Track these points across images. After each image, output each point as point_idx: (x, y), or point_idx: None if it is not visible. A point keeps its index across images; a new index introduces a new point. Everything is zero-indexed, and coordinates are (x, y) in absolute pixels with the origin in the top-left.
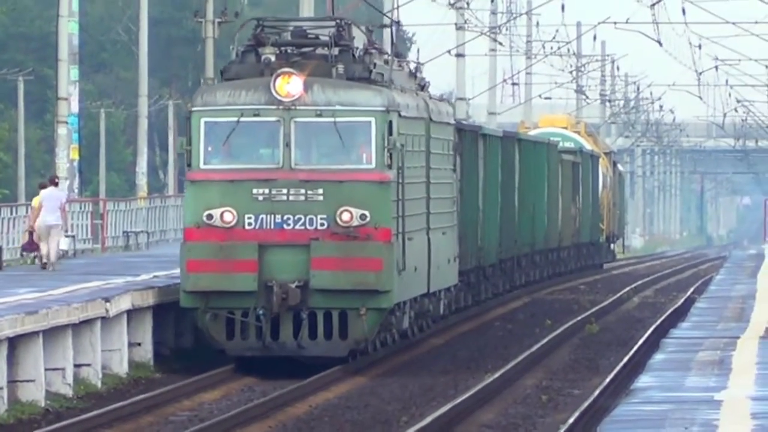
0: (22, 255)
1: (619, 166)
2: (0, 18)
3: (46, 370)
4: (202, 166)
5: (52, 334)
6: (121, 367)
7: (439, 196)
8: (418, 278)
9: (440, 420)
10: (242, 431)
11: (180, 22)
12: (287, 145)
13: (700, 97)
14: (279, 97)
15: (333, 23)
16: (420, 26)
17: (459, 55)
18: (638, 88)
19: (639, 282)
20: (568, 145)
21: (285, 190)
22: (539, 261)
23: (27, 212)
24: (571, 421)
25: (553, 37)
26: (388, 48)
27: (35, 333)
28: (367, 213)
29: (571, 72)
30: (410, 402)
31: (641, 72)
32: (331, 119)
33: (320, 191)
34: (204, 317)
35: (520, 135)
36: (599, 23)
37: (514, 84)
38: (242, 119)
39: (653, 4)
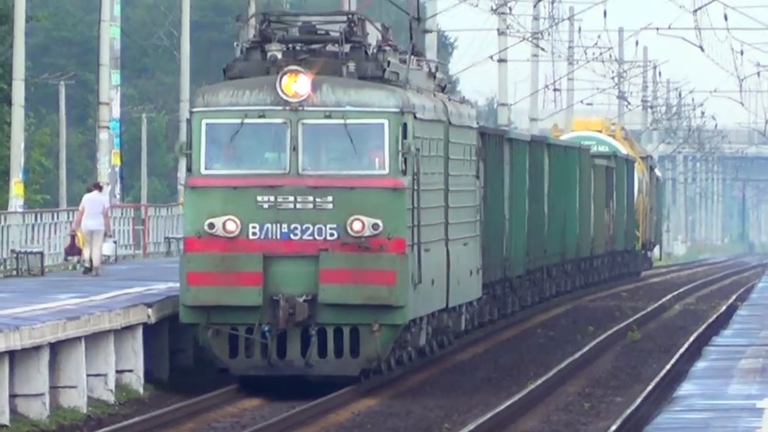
0: (66, 259)
1: (657, 171)
2: (42, 23)
3: (88, 375)
4: (203, 171)
5: (94, 339)
6: (163, 373)
7: (460, 205)
8: (436, 292)
9: (482, 427)
10: None
11: (221, 27)
12: (294, 148)
13: (742, 104)
14: (285, 97)
15: (344, 18)
16: (462, 31)
17: (501, 61)
18: (680, 95)
19: (681, 289)
20: (603, 149)
21: (292, 198)
22: (571, 270)
23: (68, 218)
24: (613, 428)
25: (595, 43)
26: (430, 54)
27: (77, 339)
28: (379, 222)
29: (612, 78)
30: (452, 410)
31: (683, 78)
32: (342, 121)
33: (330, 199)
34: (205, 334)
35: (549, 139)
36: (641, 29)
37: (556, 90)
38: (246, 121)
39: (695, 10)
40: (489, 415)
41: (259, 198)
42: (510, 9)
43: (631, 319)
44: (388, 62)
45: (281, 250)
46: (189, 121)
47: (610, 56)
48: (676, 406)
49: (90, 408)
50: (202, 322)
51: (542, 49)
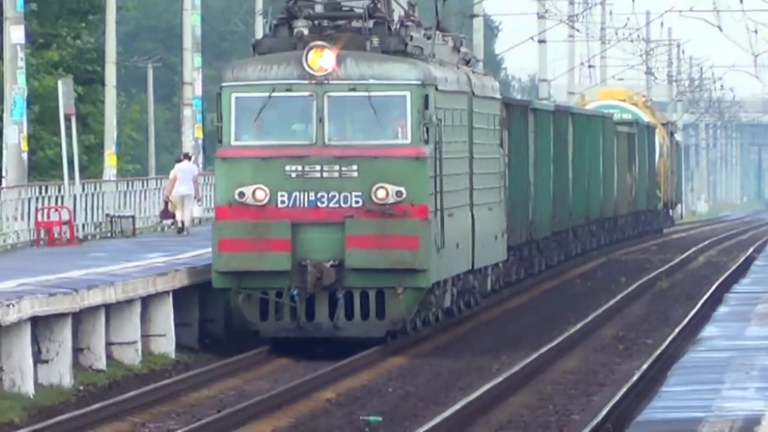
0: (161, 222)
1: (677, 136)
2: (131, 12)
3: (175, 325)
4: (233, 142)
5: (180, 293)
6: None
7: (484, 171)
8: (461, 255)
9: (528, 368)
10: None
11: None
12: (320, 120)
13: (757, 77)
14: (311, 72)
15: None
16: (505, 15)
17: (541, 41)
18: (701, 70)
19: (704, 243)
20: (626, 116)
21: (318, 167)
22: (596, 230)
23: (157, 185)
24: (644, 367)
25: (625, 25)
26: (476, 45)
27: (165, 292)
28: (403, 189)
29: (641, 55)
30: (500, 352)
31: (704, 55)
32: (365, 93)
33: (355, 168)
34: (237, 298)
35: (573, 109)
36: (666, 12)
37: (590, 67)
38: (274, 94)
39: None
40: (533, 356)
41: (287, 168)
42: None
43: (659, 270)
44: (411, 37)
45: (309, 217)
46: (219, 95)
47: (639, 36)
48: (700, 347)
49: (177, 354)
50: (234, 287)
51: (577, 31)
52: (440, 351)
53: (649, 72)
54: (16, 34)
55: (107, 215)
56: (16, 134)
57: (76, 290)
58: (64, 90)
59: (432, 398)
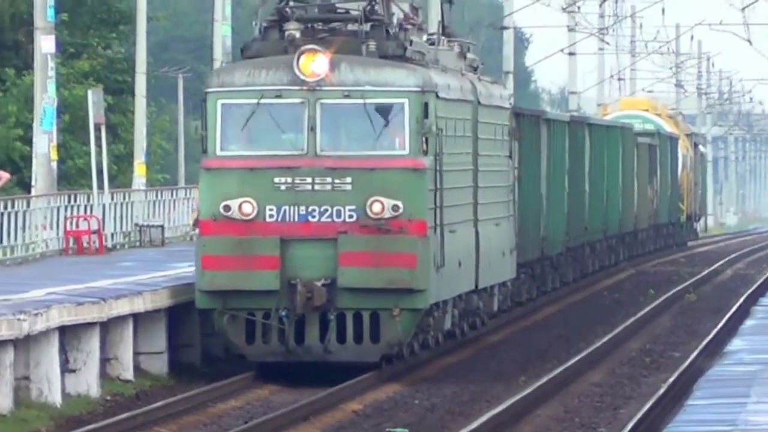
0: (194, 231)
1: (702, 148)
2: (161, 23)
3: (202, 335)
4: (218, 152)
5: None
6: None
7: (490, 185)
8: (463, 274)
9: (555, 380)
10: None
11: None
12: (312, 129)
13: None
14: (303, 77)
15: None
16: (536, 28)
17: (571, 54)
18: (731, 83)
19: (732, 256)
20: (648, 127)
21: (310, 179)
22: (614, 245)
23: (185, 194)
24: (671, 380)
25: (655, 38)
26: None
27: (192, 302)
28: (400, 204)
29: (670, 68)
30: (527, 364)
31: (733, 68)
32: (361, 101)
33: (348, 180)
34: (221, 319)
35: (590, 119)
36: (696, 25)
37: (620, 79)
38: (263, 101)
39: (744, 8)
40: (560, 369)
41: (276, 179)
42: (578, 7)
43: (687, 283)
44: (411, 41)
45: (299, 232)
46: (204, 102)
47: (668, 49)
48: (727, 360)
49: (204, 364)
50: (218, 307)
51: (607, 43)
52: (465, 363)
53: (678, 85)
54: (46, 43)
55: (136, 224)
56: (46, 143)
57: (104, 300)
58: (94, 100)
59: (459, 411)
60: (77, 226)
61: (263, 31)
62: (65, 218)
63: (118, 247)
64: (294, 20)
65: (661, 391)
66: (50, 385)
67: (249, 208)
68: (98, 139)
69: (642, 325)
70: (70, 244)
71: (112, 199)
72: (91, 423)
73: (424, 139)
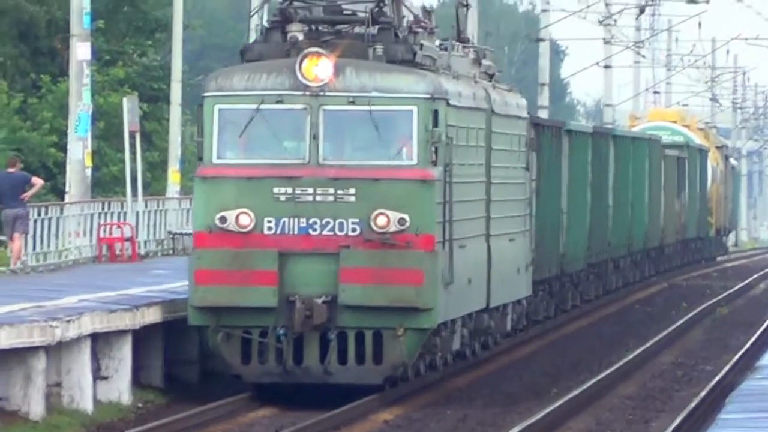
0: None
1: (732, 160)
2: (198, 30)
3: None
4: (215, 160)
5: None
6: None
7: (505, 198)
8: (474, 292)
9: (587, 392)
10: None
11: None
12: (314, 137)
13: None
14: (306, 82)
15: None
16: (572, 40)
17: (606, 67)
18: (766, 97)
19: (766, 270)
20: (677, 138)
21: (311, 190)
22: (640, 260)
23: None
24: (703, 394)
25: (691, 51)
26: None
27: None
28: (406, 217)
29: (706, 82)
30: (559, 376)
31: None
32: (366, 107)
33: (352, 191)
34: (215, 337)
35: (615, 131)
36: (732, 39)
37: (655, 92)
38: (262, 107)
39: None
40: (592, 381)
41: (276, 190)
42: (615, 21)
43: (720, 297)
44: (421, 45)
45: (299, 246)
46: (200, 107)
47: (704, 63)
48: (759, 374)
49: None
50: (212, 324)
51: (643, 57)
52: (497, 375)
53: (713, 99)
54: (82, 50)
55: (169, 232)
56: (80, 150)
57: (137, 307)
58: (129, 107)
59: (490, 422)
60: (110, 233)
61: (265, 33)
62: (99, 225)
63: (150, 254)
64: (297, 21)
65: (693, 404)
66: (82, 391)
67: (246, 220)
68: (133, 146)
69: (674, 339)
70: (103, 252)
71: (146, 206)
72: (123, 430)
73: (433, 148)
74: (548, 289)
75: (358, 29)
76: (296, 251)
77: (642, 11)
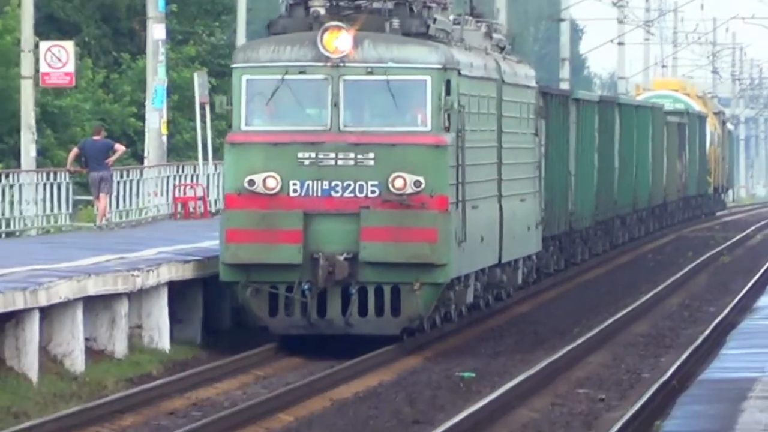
0: None
1: (729, 125)
2: (260, 15)
3: None
4: (243, 127)
5: None
6: None
7: (515, 161)
8: (487, 248)
9: (605, 330)
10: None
11: None
12: (335, 105)
13: None
14: (327, 54)
15: None
16: (589, 20)
17: (620, 44)
18: (761, 70)
19: (762, 223)
20: (678, 106)
21: (333, 154)
22: (645, 217)
23: None
24: (707, 332)
25: (694, 29)
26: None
27: None
28: (421, 179)
29: (708, 57)
30: (581, 316)
31: (764, 56)
32: (383, 77)
33: (371, 155)
34: (245, 292)
35: (620, 99)
36: (731, 18)
37: (663, 66)
38: (287, 77)
39: None
40: (609, 321)
41: (300, 155)
42: (627, 2)
43: (722, 246)
44: (434, 19)
45: (322, 207)
46: (230, 77)
47: (706, 40)
48: (756, 315)
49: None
50: (242, 280)
51: (652, 34)
52: (526, 316)
53: (715, 71)
54: (157, 31)
55: None
56: (157, 120)
57: (208, 258)
58: (200, 81)
59: (520, 357)
60: (184, 193)
61: (289, 8)
62: (174, 186)
63: (220, 212)
64: None
65: (698, 341)
66: (160, 333)
67: (273, 183)
68: (203, 116)
69: (681, 284)
70: (178, 209)
71: (215, 169)
72: (196, 367)
73: (446, 115)
74: (558, 245)
75: (376, 4)
76: (320, 212)
77: None
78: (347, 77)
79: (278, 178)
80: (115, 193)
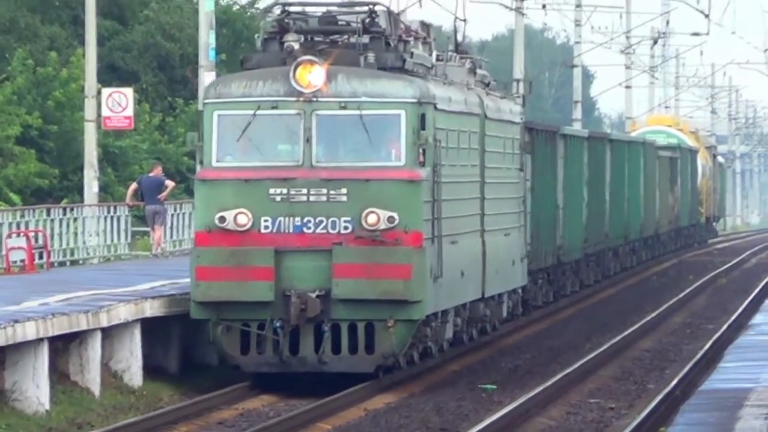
0: None
1: (719, 158)
2: None
3: None
4: (214, 163)
5: None
6: None
7: (499, 196)
8: (468, 283)
9: (615, 346)
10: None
11: None
12: (308, 140)
13: None
14: (299, 88)
15: (365, 9)
16: (599, 66)
17: (627, 87)
18: (755, 110)
19: (756, 248)
20: (671, 140)
21: (305, 190)
22: (637, 247)
23: None
24: (706, 347)
25: (694, 74)
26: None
27: None
28: (395, 215)
29: (707, 98)
30: (594, 332)
31: (758, 97)
32: (357, 112)
33: (344, 191)
34: (216, 330)
35: (611, 135)
36: (727, 63)
37: (666, 107)
38: (259, 112)
39: (766, 50)
40: (618, 338)
41: (272, 191)
42: (633, 50)
43: (719, 270)
44: (411, 53)
45: (294, 244)
46: (201, 113)
47: (705, 83)
48: (751, 331)
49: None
50: (213, 318)
51: (656, 78)
52: (542, 333)
53: (713, 111)
54: (208, 78)
55: None
56: None
57: None
58: None
59: (537, 371)
60: None
61: (263, 43)
62: None
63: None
64: (294, 32)
65: (699, 355)
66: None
67: (244, 219)
68: None
69: (683, 304)
70: None
71: None
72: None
73: (421, 150)
74: (547, 277)
75: (351, 39)
76: (291, 248)
77: (655, 42)
78: (320, 112)
79: (249, 214)
80: (169, 225)
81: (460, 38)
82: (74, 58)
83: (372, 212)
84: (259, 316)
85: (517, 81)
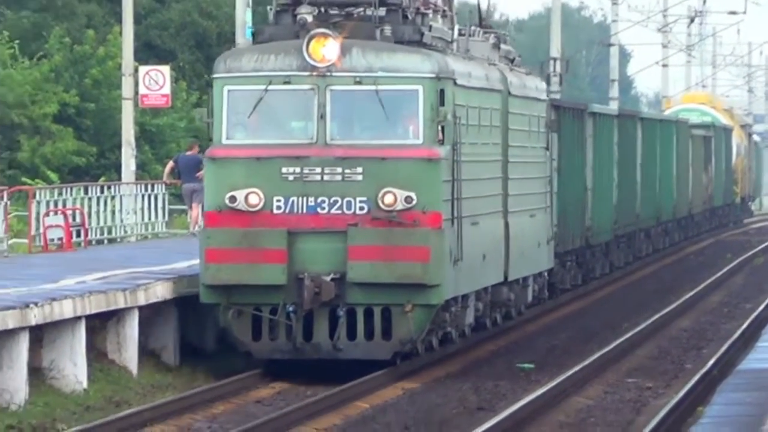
0: None
1: (755, 137)
2: None
3: None
4: (224, 141)
5: None
6: None
7: (523, 176)
8: (489, 267)
9: (651, 326)
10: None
11: None
12: (322, 117)
13: None
14: (313, 62)
15: None
16: (636, 45)
17: (664, 65)
18: None
19: None
20: (705, 119)
21: (319, 169)
22: (670, 228)
23: None
24: (744, 326)
25: (731, 52)
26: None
27: None
28: (413, 195)
29: (744, 77)
30: (630, 312)
31: None
32: (373, 87)
33: (359, 170)
34: (226, 314)
35: (642, 114)
36: (764, 42)
37: (703, 86)
38: (270, 87)
39: None
40: (655, 317)
41: (284, 169)
42: (670, 28)
43: (757, 249)
44: (430, 26)
45: (307, 225)
46: (210, 88)
47: (742, 62)
48: None
49: None
50: (223, 302)
51: (693, 57)
52: (580, 313)
53: (750, 90)
54: None
55: None
56: None
57: None
58: None
59: (574, 350)
60: None
61: (276, 15)
62: None
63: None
64: (307, 4)
65: (736, 335)
66: None
67: (255, 199)
68: None
69: (721, 283)
70: None
71: None
72: None
73: (439, 127)
74: (575, 260)
75: (367, 11)
76: (305, 230)
77: (692, 20)
78: (334, 87)
79: (261, 194)
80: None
81: (484, 13)
82: (111, 36)
83: (389, 192)
84: (271, 300)
85: (554, 60)
